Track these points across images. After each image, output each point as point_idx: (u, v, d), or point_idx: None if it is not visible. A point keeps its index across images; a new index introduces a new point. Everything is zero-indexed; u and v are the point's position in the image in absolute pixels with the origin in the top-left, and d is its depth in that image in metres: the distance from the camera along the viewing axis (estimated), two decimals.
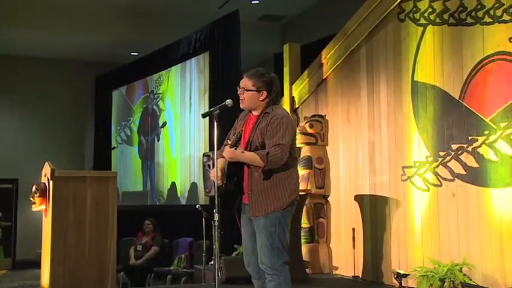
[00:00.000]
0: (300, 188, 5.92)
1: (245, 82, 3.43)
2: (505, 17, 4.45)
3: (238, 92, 3.45)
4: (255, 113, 3.47)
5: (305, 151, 6.32)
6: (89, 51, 10.64)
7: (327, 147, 6.36)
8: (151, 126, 10.01)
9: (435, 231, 4.92)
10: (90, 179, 4.54)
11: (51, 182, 4.44)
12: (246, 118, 3.54)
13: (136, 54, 10.64)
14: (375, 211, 5.60)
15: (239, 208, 3.43)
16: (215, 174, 3.22)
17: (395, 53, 5.46)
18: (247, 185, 3.32)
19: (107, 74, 11.13)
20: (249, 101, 3.41)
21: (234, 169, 3.29)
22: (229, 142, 3.35)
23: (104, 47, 10.32)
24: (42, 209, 4.68)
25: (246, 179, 3.33)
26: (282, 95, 6.72)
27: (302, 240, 5.91)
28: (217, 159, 3.26)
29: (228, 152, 3.23)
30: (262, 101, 3.40)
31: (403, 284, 4.82)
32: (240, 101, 3.45)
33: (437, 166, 4.93)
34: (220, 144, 3.43)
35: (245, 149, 3.29)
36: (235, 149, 3.22)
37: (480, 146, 4.56)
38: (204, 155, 6.21)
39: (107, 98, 11.20)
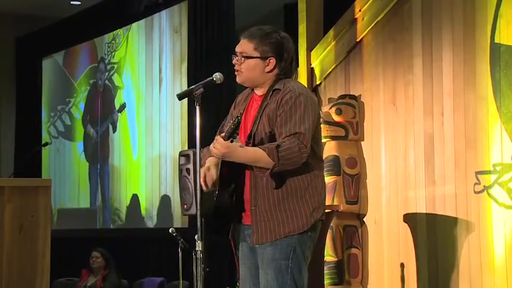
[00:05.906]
0: None
1: (244, 46, 3.44)
2: None
3: (233, 61, 3.44)
4: (259, 91, 3.46)
5: (330, 149, 6.31)
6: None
7: (362, 142, 6.35)
8: (102, 112, 10.01)
9: None
10: (10, 190, 4.55)
11: None
12: (246, 101, 3.53)
13: (78, 3, 10.60)
14: (434, 238, 5.61)
15: (236, 231, 3.42)
16: (201, 175, 3.22)
17: (466, 3, 5.44)
18: (249, 198, 3.31)
19: (33, 34, 11.10)
20: (250, 73, 3.41)
21: (230, 174, 3.28)
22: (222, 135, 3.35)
23: None
24: None
25: (247, 189, 3.33)
26: (297, 65, 6.72)
27: (326, 281, 5.93)
28: (201, 158, 3.25)
29: (221, 145, 3.20)
30: (269, 72, 3.41)
31: None
32: (237, 74, 3.46)
33: None
34: (206, 138, 3.42)
35: (246, 145, 3.27)
36: (231, 142, 3.20)
37: None
38: (182, 154, 6.21)
39: (34, 69, 11.21)
